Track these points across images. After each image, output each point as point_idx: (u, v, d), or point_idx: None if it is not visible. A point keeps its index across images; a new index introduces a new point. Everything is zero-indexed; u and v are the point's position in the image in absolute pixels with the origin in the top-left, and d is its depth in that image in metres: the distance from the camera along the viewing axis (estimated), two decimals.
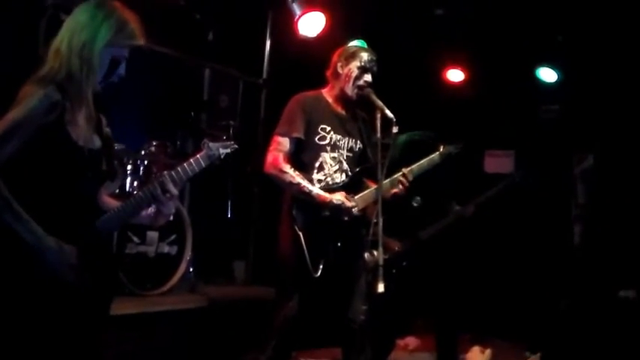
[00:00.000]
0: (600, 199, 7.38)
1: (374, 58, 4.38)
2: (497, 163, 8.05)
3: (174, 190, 2.92)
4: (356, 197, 4.19)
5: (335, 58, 4.44)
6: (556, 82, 7.48)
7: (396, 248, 5.37)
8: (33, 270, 2.58)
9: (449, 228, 5.70)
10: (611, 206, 7.13)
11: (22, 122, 2.57)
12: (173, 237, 5.56)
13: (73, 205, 2.73)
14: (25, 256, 2.56)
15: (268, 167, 4.20)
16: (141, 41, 2.87)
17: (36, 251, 2.56)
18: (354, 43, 6.22)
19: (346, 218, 4.12)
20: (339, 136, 4.31)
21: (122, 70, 2.88)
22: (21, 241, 2.53)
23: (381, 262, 3.51)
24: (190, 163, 2.96)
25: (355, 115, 4.46)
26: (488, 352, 5.83)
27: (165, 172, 2.94)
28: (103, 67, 2.80)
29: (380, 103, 4.05)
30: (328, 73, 4.46)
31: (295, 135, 4.21)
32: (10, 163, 2.55)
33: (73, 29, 2.76)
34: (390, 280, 3.64)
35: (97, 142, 2.87)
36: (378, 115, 3.96)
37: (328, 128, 4.28)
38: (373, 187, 4.22)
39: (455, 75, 7.81)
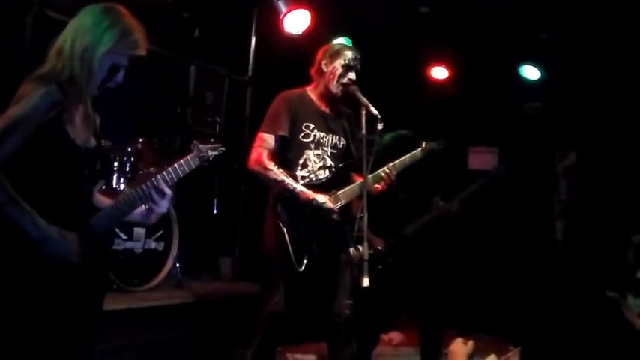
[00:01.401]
0: (582, 195, 7.45)
1: (358, 56, 4.43)
2: (481, 159, 8.11)
3: (168, 190, 3.00)
4: (339, 193, 4.24)
5: (319, 56, 4.48)
6: (539, 79, 7.53)
7: (380, 246, 5.42)
8: (35, 264, 2.61)
9: (433, 223, 5.75)
10: (593, 203, 7.20)
11: (24, 119, 2.60)
12: (160, 233, 5.59)
13: (70, 202, 2.77)
14: (29, 249, 2.59)
15: (252, 164, 4.25)
16: (143, 52, 2.91)
17: (39, 242, 2.60)
18: (339, 40, 6.29)
19: (327, 217, 4.18)
20: (322, 134, 4.35)
21: (120, 77, 2.92)
22: (24, 234, 2.57)
23: (366, 256, 3.55)
24: (181, 164, 3.05)
25: (339, 112, 4.50)
26: (470, 343, 5.85)
27: (158, 173, 3.01)
28: (102, 72, 2.83)
29: (365, 100, 4.10)
30: (312, 71, 4.50)
31: (280, 133, 4.26)
32: (11, 159, 2.58)
33: (77, 31, 2.79)
34: (376, 276, 3.68)
35: (93, 142, 2.91)
36: (363, 112, 4.01)
37: (312, 126, 4.33)
38: (357, 182, 4.27)
39: (439, 72, 7.86)
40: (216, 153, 3.19)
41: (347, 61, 4.37)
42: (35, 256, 2.61)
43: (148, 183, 2.97)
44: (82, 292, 2.78)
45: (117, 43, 2.80)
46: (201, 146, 3.12)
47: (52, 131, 2.68)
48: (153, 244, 5.55)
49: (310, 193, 4.15)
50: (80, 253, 2.71)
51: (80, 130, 2.82)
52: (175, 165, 3.05)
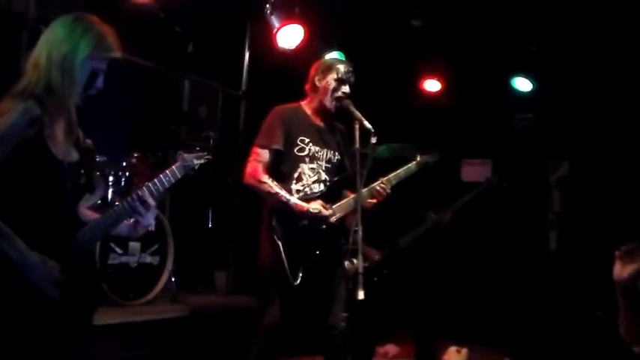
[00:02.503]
0: (576, 205, 7.48)
1: (350, 69, 4.45)
2: (475, 171, 8.13)
3: (152, 202, 2.97)
4: (334, 206, 4.26)
5: (312, 71, 4.50)
6: (531, 91, 7.57)
7: (376, 257, 5.44)
8: (15, 283, 2.60)
9: (427, 235, 5.78)
10: (587, 213, 7.23)
11: (2, 137, 2.58)
12: (155, 247, 5.61)
13: (54, 218, 2.76)
14: (8, 270, 2.57)
15: (247, 178, 4.27)
16: (119, 54, 2.90)
17: (19, 266, 2.58)
18: (332, 55, 6.32)
19: (324, 227, 4.19)
20: (317, 148, 4.38)
21: (100, 82, 2.90)
22: (4, 256, 2.55)
23: (360, 269, 3.57)
24: (166, 174, 3.03)
25: (333, 127, 4.53)
26: (464, 351, 5.90)
27: (144, 185, 2.99)
28: (84, 79, 2.82)
29: (358, 114, 4.12)
30: (307, 87, 4.52)
31: (275, 146, 4.28)
32: None
33: (52, 43, 2.78)
34: (371, 288, 3.70)
35: (75, 156, 2.89)
36: (357, 126, 4.02)
37: (307, 140, 4.35)
38: (351, 196, 4.29)
39: (431, 85, 7.88)
40: (202, 161, 3.16)
41: (340, 75, 4.39)
42: (15, 275, 2.59)
43: (134, 195, 2.95)
44: (65, 312, 2.74)
45: (94, 47, 2.80)
46: (186, 155, 3.10)
47: (33, 147, 2.67)
48: (148, 259, 5.56)
49: (304, 204, 4.17)
50: (59, 282, 2.68)
51: (62, 145, 2.80)
52: (160, 175, 3.02)
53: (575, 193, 7.52)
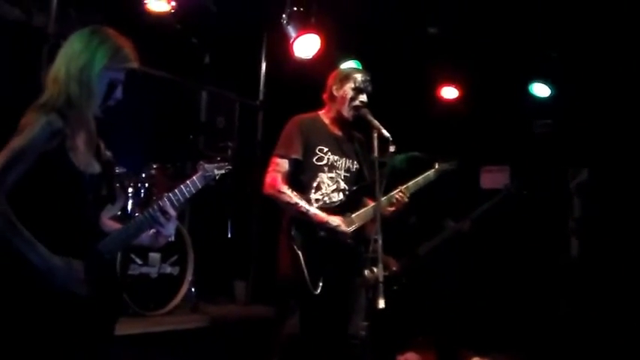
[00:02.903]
0: (596, 212, 7.42)
1: (368, 78, 4.46)
2: (493, 178, 8.08)
3: (173, 212, 3.00)
4: (353, 215, 4.27)
5: (330, 81, 4.52)
6: (549, 97, 7.53)
7: (395, 266, 5.43)
8: (40, 291, 2.62)
9: (446, 243, 5.76)
10: (607, 219, 7.18)
11: (25, 150, 2.62)
12: (175, 258, 5.62)
13: (76, 229, 2.78)
14: (33, 277, 2.60)
15: (267, 188, 4.28)
16: (135, 64, 2.93)
17: (44, 272, 2.61)
18: (349, 63, 6.33)
19: (341, 240, 4.20)
20: (336, 157, 4.39)
21: (119, 93, 2.94)
22: (28, 263, 2.58)
23: (381, 278, 3.56)
24: (187, 185, 3.05)
25: (351, 136, 4.54)
26: None
27: (165, 195, 3.01)
28: (102, 90, 2.86)
29: (376, 122, 4.12)
30: (324, 96, 4.54)
31: (293, 156, 4.30)
32: (15, 189, 2.60)
33: (70, 56, 2.82)
34: (392, 297, 3.69)
35: (97, 167, 2.92)
36: (375, 135, 4.03)
37: (326, 149, 4.37)
38: (370, 205, 4.28)
39: (449, 92, 7.86)
40: (223, 171, 3.18)
41: (357, 84, 4.40)
42: (40, 285, 2.62)
43: (155, 206, 2.98)
44: (89, 318, 2.77)
45: (110, 58, 2.84)
46: (206, 166, 3.12)
47: (55, 159, 2.70)
48: (168, 269, 5.58)
49: (324, 216, 4.18)
50: (86, 282, 2.72)
51: (84, 156, 2.84)
52: (181, 186, 3.05)
53: (595, 200, 7.46)
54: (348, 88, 4.41)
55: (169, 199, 3.00)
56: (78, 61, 2.80)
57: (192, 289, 5.85)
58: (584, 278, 7.00)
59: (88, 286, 2.73)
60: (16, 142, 2.63)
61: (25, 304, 2.61)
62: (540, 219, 7.48)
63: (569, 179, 7.62)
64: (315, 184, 4.33)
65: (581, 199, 7.59)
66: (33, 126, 2.65)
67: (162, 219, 2.98)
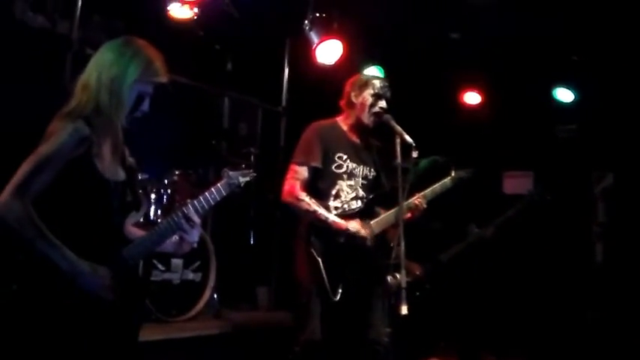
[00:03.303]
0: (621, 217, 7.36)
1: (386, 84, 4.46)
2: (517, 184, 8.05)
3: (197, 219, 3.01)
4: (372, 222, 4.26)
5: (348, 88, 4.51)
6: (572, 101, 7.49)
7: (418, 272, 5.41)
8: (66, 296, 2.64)
9: (469, 249, 5.73)
10: (633, 224, 7.12)
11: (53, 156, 2.64)
12: (197, 264, 5.63)
13: (101, 236, 2.80)
14: (59, 281, 2.62)
15: (285, 195, 4.29)
16: (165, 79, 2.96)
17: (70, 276, 2.62)
18: (371, 69, 6.33)
19: (361, 246, 4.19)
20: (354, 165, 4.38)
21: (146, 106, 2.96)
22: (55, 267, 2.60)
23: (403, 284, 3.55)
24: (212, 192, 3.06)
25: (369, 143, 4.53)
26: None
27: (189, 202, 3.03)
28: (130, 102, 2.88)
29: (399, 128, 4.12)
30: (342, 103, 4.54)
31: (313, 164, 4.30)
32: (42, 195, 2.63)
33: (102, 65, 2.85)
34: (414, 303, 3.67)
35: (122, 174, 2.95)
36: (398, 141, 4.03)
37: (345, 157, 4.36)
38: (391, 211, 4.27)
39: (472, 98, 7.85)
40: (248, 179, 3.19)
41: (376, 90, 4.40)
42: (65, 289, 2.63)
43: (179, 212, 2.99)
44: (114, 324, 2.79)
45: (142, 71, 2.86)
46: (231, 173, 3.13)
47: (81, 166, 2.73)
48: (190, 275, 5.59)
49: (343, 222, 4.18)
50: (111, 287, 2.73)
51: (109, 164, 2.87)
52: (206, 193, 3.06)
53: (620, 205, 7.40)
54: (368, 95, 4.40)
55: (193, 206, 3.01)
56: (110, 71, 2.82)
57: (215, 296, 5.86)
58: (610, 284, 6.94)
59: (113, 291, 2.74)
60: (44, 149, 2.66)
61: (51, 309, 2.62)
62: (564, 224, 7.43)
63: (594, 184, 7.57)
64: (334, 192, 4.32)
65: (606, 203, 7.53)
66: (60, 133, 2.68)
67: (186, 226, 2.99)
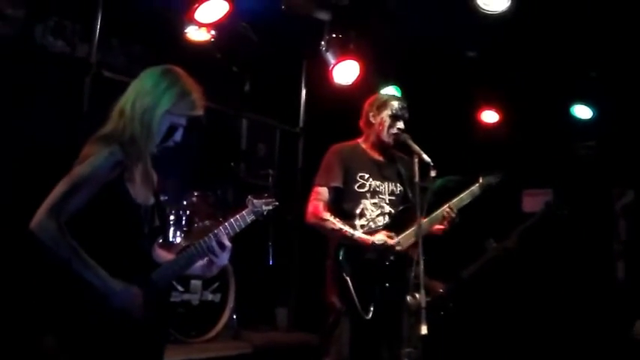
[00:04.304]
0: None
1: (404, 105, 4.49)
2: (536, 201, 7.97)
3: (229, 243, 3.08)
4: (399, 237, 4.24)
5: (366, 107, 4.55)
6: (591, 118, 7.45)
7: (440, 290, 5.38)
8: (98, 314, 2.67)
9: (490, 264, 5.69)
10: None
11: (89, 178, 2.69)
12: (216, 285, 5.64)
13: (131, 258, 2.84)
14: (92, 299, 2.65)
15: (309, 217, 4.30)
16: (200, 112, 3.00)
17: (103, 294, 2.65)
18: (388, 89, 6.34)
19: (392, 258, 4.17)
20: (377, 182, 4.39)
21: (178, 136, 3.00)
22: (88, 285, 2.63)
23: (423, 304, 3.53)
24: (237, 219, 3.14)
25: (393, 158, 4.54)
26: None
27: (220, 227, 3.08)
28: (161, 132, 2.92)
29: (417, 148, 4.13)
30: (361, 123, 4.57)
31: (334, 184, 4.31)
32: (75, 215, 2.66)
33: (138, 93, 2.89)
34: (438, 322, 3.64)
35: (151, 199, 2.99)
36: (416, 160, 4.03)
37: (367, 176, 4.37)
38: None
39: (489, 116, 7.82)
40: (270, 207, 3.26)
41: (394, 112, 4.43)
42: (98, 307, 2.66)
43: (211, 235, 3.04)
44: (143, 344, 2.82)
45: (175, 103, 2.89)
46: (255, 201, 3.20)
47: (115, 190, 2.77)
48: (210, 296, 5.60)
49: (368, 237, 4.18)
50: (142, 308, 2.76)
51: (140, 189, 2.91)
52: (232, 220, 3.13)
53: None
54: (386, 115, 4.44)
55: (225, 229, 3.08)
56: (144, 100, 2.86)
57: (234, 316, 5.86)
58: (632, 301, 6.86)
59: (145, 312, 2.77)
60: (80, 170, 2.71)
61: (83, 326, 2.66)
62: (585, 242, 7.37)
63: (614, 201, 7.52)
64: (358, 212, 4.33)
65: (627, 220, 7.48)
66: (97, 156, 2.73)
67: (217, 249, 3.04)
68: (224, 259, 3.10)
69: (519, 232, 5.78)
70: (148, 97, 2.86)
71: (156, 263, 2.98)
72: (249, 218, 3.16)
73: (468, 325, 5.79)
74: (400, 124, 4.42)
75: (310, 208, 4.31)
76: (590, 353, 6.50)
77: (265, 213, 3.23)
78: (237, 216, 3.14)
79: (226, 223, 3.11)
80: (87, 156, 2.73)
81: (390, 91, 6.52)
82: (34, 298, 2.76)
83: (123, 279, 2.74)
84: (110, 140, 2.78)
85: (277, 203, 3.29)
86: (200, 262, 3.09)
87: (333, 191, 4.33)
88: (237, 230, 3.13)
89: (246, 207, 3.18)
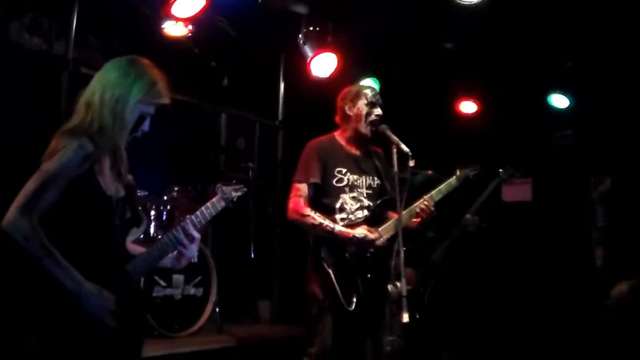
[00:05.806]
0: (620, 221, 7.36)
1: (377, 91, 4.52)
2: (515, 191, 8.04)
3: (196, 234, 3.06)
4: (379, 229, 4.27)
5: (340, 102, 4.56)
6: (568, 107, 7.51)
7: (413, 279, 5.42)
8: (70, 315, 2.64)
9: (455, 243, 5.72)
10: (632, 228, 7.12)
11: (59, 173, 2.66)
12: (198, 279, 5.66)
13: (105, 252, 2.82)
14: (63, 300, 2.63)
15: (290, 213, 4.32)
16: (167, 100, 2.99)
17: (75, 296, 2.63)
18: (366, 81, 6.36)
19: (372, 250, 4.20)
20: (355, 177, 4.40)
21: (146, 126, 3.00)
22: (60, 286, 2.60)
23: (404, 293, 3.56)
24: (207, 207, 3.15)
25: (369, 152, 4.55)
26: None
27: (187, 217, 3.08)
28: (132, 122, 2.91)
29: (395, 138, 4.14)
30: (337, 119, 4.57)
31: (312, 180, 4.33)
32: (47, 212, 2.64)
33: (105, 84, 2.86)
34: (419, 311, 3.67)
35: (122, 191, 2.97)
36: (394, 150, 4.04)
37: (344, 170, 4.39)
38: (394, 218, 4.29)
39: (468, 107, 7.86)
40: (240, 194, 3.29)
41: (369, 99, 4.45)
42: (70, 308, 2.64)
43: (178, 228, 3.04)
44: (118, 340, 2.79)
45: (145, 93, 2.89)
46: (224, 188, 3.23)
47: (85, 182, 2.75)
48: (192, 290, 5.61)
49: (349, 231, 4.20)
50: (115, 313, 2.74)
51: (111, 180, 2.89)
52: (202, 208, 3.14)
53: (618, 209, 7.40)
54: (362, 105, 4.45)
55: (192, 222, 3.07)
56: (114, 91, 2.84)
57: (217, 310, 5.87)
58: (610, 288, 6.93)
59: (116, 319, 2.74)
60: (49, 166, 2.67)
61: (55, 327, 2.64)
62: (563, 230, 7.43)
63: (592, 189, 7.58)
64: (338, 206, 4.35)
65: (605, 208, 7.54)
66: (65, 150, 2.69)
67: (185, 241, 3.04)
68: (193, 250, 3.09)
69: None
70: (117, 88, 2.84)
71: (130, 255, 2.97)
72: (220, 205, 3.18)
73: (444, 313, 5.83)
74: (378, 111, 4.43)
75: (291, 204, 4.32)
76: (569, 341, 6.56)
77: (235, 199, 3.25)
78: (208, 204, 3.15)
79: (197, 212, 3.11)
80: (55, 150, 2.70)
81: (368, 82, 6.52)
82: (15, 297, 2.74)
83: (97, 272, 2.72)
84: (78, 133, 2.76)
85: (246, 189, 3.33)
86: (170, 255, 3.09)
87: (313, 187, 4.34)
88: (209, 218, 3.14)
89: (216, 194, 3.20)
